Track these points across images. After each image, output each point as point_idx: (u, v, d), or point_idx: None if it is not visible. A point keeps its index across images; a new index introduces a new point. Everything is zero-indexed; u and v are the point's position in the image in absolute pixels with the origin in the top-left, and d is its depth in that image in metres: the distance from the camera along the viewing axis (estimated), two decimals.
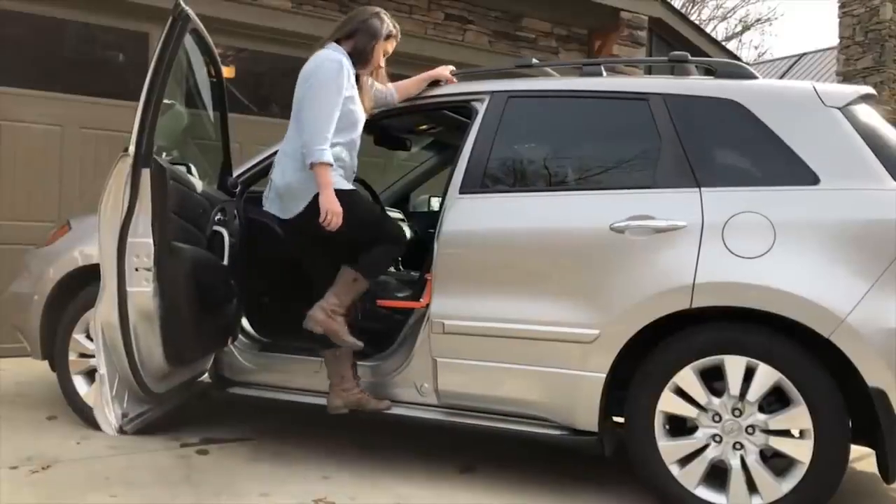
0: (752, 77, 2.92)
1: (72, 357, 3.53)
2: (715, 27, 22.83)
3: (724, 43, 12.57)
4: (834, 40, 13.53)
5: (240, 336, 3.39)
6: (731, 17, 28.42)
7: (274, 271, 3.59)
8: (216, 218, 3.05)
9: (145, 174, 2.51)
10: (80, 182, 5.25)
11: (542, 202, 2.93)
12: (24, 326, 3.73)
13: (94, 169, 5.26)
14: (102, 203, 2.50)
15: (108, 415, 2.39)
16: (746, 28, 23.66)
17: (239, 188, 3.40)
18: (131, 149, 2.49)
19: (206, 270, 2.92)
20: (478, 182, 3.02)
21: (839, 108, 2.70)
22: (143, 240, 2.51)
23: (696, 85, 2.91)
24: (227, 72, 6.37)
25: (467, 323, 2.92)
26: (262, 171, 3.48)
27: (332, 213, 2.78)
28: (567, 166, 3.08)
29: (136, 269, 2.50)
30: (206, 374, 3.29)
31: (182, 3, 2.73)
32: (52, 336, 3.60)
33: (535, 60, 3.33)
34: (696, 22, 8.10)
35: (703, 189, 2.70)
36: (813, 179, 2.61)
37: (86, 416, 3.49)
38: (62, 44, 5.27)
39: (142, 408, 2.66)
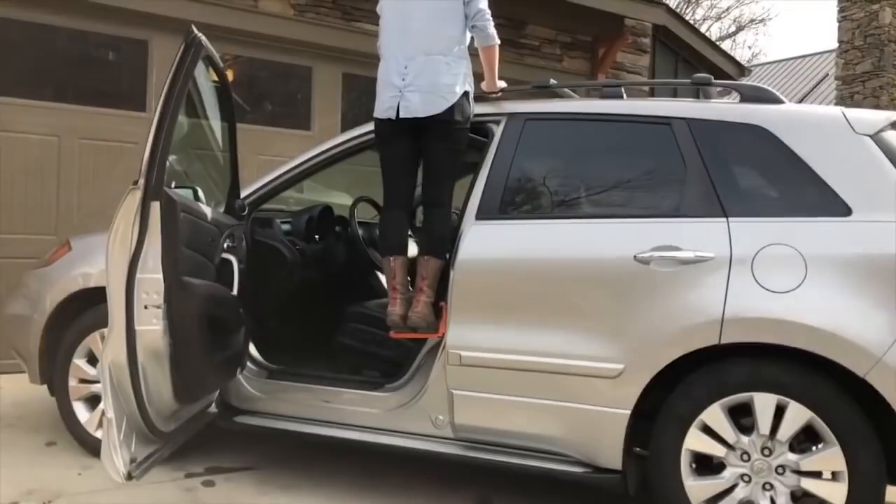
0: (779, 101, 2.83)
1: (72, 383, 3.43)
2: (709, 27, 22.78)
3: (717, 43, 12.45)
4: (830, 42, 13.50)
5: (247, 364, 3.29)
6: (725, 17, 28.39)
7: (281, 294, 3.49)
8: (225, 245, 2.94)
9: (155, 207, 2.40)
10: (78, 194, 5.13)
11: (563, 230, 2.83)
12: (23, 349, 3.62)
13: (93, 180, 5.15)
14: (111, 238, 2.40)
15: (117, 461, 2.29)
16: (740, 28, 23.66)
17: (247, 210, 3.30)
18: (141, 181, 2.39)
19: (218, 304, 2.82)
20: (495, 208, 2.93)
21: (870, 136, 2.61)
22: (152, 276, 2.40)
23: (721, 109, 2.82)
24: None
25: (485, 355, 2.83)
26: (271, 192, 3.39)
27: None
28: (588, 193, 2.98)
29: (146, 307, 2.40)
30: (213, 404, 3.18)
31: (195, 30, 2.62)
32: (51, 360, 3.49)
33: (552, 81, 3.24)
34: (690, 23, 7.97)
35: (730, 219, 2.62)
36: (845, 210, 2.53)
37: (86, 444, 3.38)
38: (59, 52, 5.14)
39: (150, 449, 2.56)
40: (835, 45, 13.27)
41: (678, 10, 17.26)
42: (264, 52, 5.78)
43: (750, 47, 38.12)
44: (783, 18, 42.60)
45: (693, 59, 8.36)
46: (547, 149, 3.04)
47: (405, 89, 2.92)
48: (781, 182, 2.67)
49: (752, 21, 24.42)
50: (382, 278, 4.02)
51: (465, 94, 2.97)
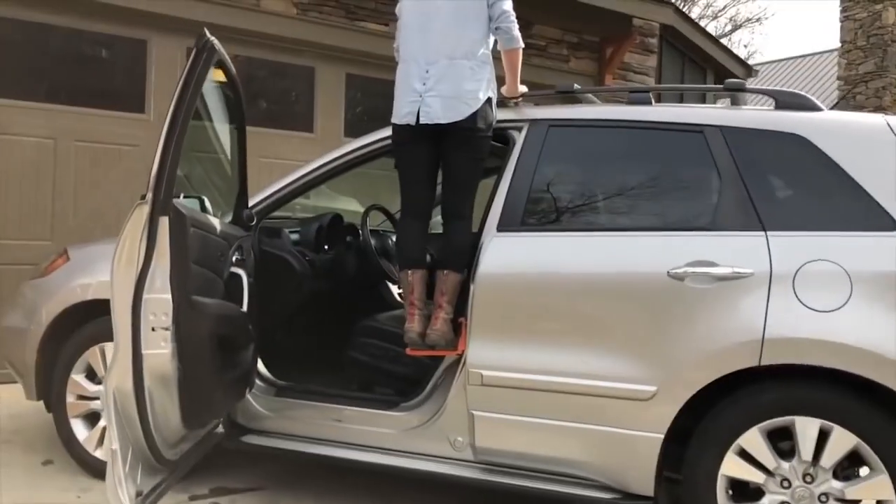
0: (817, 108, 2.70)
1: (70, 399, 3.27)
2: (706, 26, 22.68)
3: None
4: (826, 43, 13.40)
5: (256, 380, 3.14)
6: (721, 16, 28.31)
7: (290, 307, 3.34)
8: (234, 258, 2.79)
9: (163, 223, 2.25)
10: (74, 198, 4.97)
11: (590, 244, 2.69)
12: (18, 363, 3.46)
13: (89, 184, 4.99)
14: (116, 256, 2.24)
15: (122, 496, 2.13)
16: (737, 27, 23.57)
17: (255, 220, 3.14)
18: (148, 196, 2.23)
19: (228, 323, 2.67)
20: (518, 219, 2.79)
21: None
22: (160, 296, 2.25)
23: (756, 116, 2.69)
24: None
25: (509, 374, 2.68)
26: (281, 200, 3.24)
27: None
28: (616, 204, 2.84)
29: (153, 329, 2.25)
30: (220, 424, 3.03)
31: (208, 33, 2.46)
32: (48, 375, 3.33)
33: (576, 86, 3.09)
34: (697, 23, 7.84)
35: (769, 233, 2.48)
36: (891, 224, 2.40)
37: (85, 464, 3.23)
38: (54, 52, 4.97)
39: (156, 480, 2.40)
40: (836, 44, 13.19)
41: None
42: (266, 52, 5.63)
43: (746, 46, 38.05)
44: (779, 18, 42.58)
45: (700, 60, 8.24)
46: (572, 157, 2.90)
47: (426, 94, 2.78)
48: (822, 194, 2.53)
49: (748, 20, 24.40)
50: (394, 289, 3.89)
51: (489, 100, 2.83)
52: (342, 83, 5.98)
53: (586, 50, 7.12)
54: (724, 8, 27.22)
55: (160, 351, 2.25)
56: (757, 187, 2.56)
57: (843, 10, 12.85)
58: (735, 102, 2.89)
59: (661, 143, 2.77)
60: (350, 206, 4.64)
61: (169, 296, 2.25)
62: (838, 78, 13.17)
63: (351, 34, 5.81)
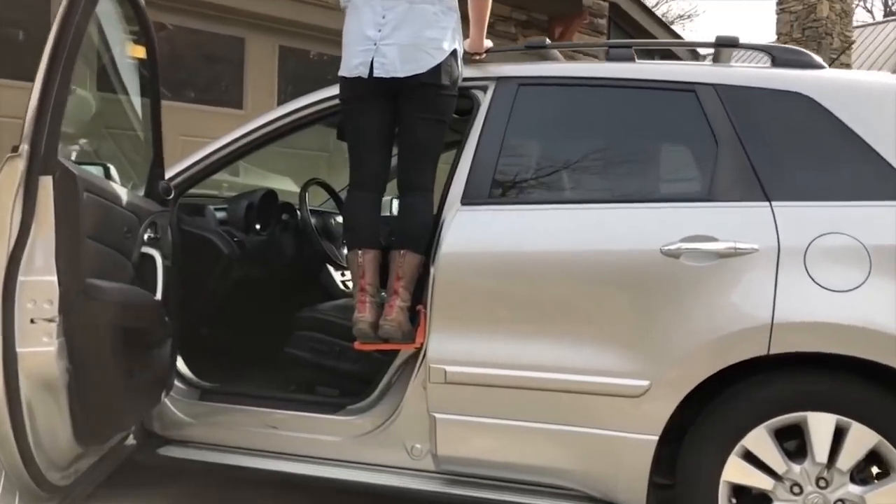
0: (819, 66, 2.41)
1: None
2: None
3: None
4: (762, 37, 13.53)
5: (175, 382, 2.67)
6: (655, 9, 28.59)
7: (216, 296, 2.88)
8: (146, 236, 2.31)
9: (45, 183, 1.76)
10: None
11: (569, 218, 2.32)
12: None
13: None
14: None
15: None
16: (669, 24, 23.81)
17: (173, 194, 2.67)
18: (24, 147, 1.74)
19: (137, 314, 2.19)
20: (485, 191, 2.40)
21: None
22: (41, 278, 1.76)
23: (755, 74, 2.38)
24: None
25: (476, 370, 2.30)
26: (203, 172, 2.77)
27: None
28: (598, 172, 2.49)
29: (32, 321, 1.76)
30: (130, 435, 2.55)
31: None
32: None
33: (547, 40, 2.73)
34: (645, 5, 7.67)
35: (774, 203, 2.17)
36: None
37: None
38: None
39: None
40: (772, 37, 13.30)
41: None
42: (191, 21, 5.09)
43: None
44: (710, 15, 43.58)
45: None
46: (547, 120, 2.52)
47: (381, 42, 2.36)
48: (832, 160, 2.23)
49: (679, 17, 24.67)
50: (338, 277, 3.45)
51: (454, 52, 2.43)
52: (275, 56, 5.50)
53: (535, 28, 6.80)
54: (656, 4, 27.55)
55: (42, 349, 1.76)
56: (758, 152, 2.24)
57: (779, 3, 12.97)
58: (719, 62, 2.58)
59: (648, 103, 2.43)
60: (285, 186, 4.16)
61: (54, 278, 1.77)
62: None
63: (284, 3, 5.33)
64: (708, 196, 2.25)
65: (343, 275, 3.44)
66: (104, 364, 1.95)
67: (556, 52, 2.80)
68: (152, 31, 2.52)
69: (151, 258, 2.27)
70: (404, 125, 2.45)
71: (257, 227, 3.06)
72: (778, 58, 2.44)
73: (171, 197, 2.60)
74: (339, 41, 2.55)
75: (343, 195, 3.62)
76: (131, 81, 2.73)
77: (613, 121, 2.48)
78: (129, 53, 2.70)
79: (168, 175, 2.70)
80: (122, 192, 2.22)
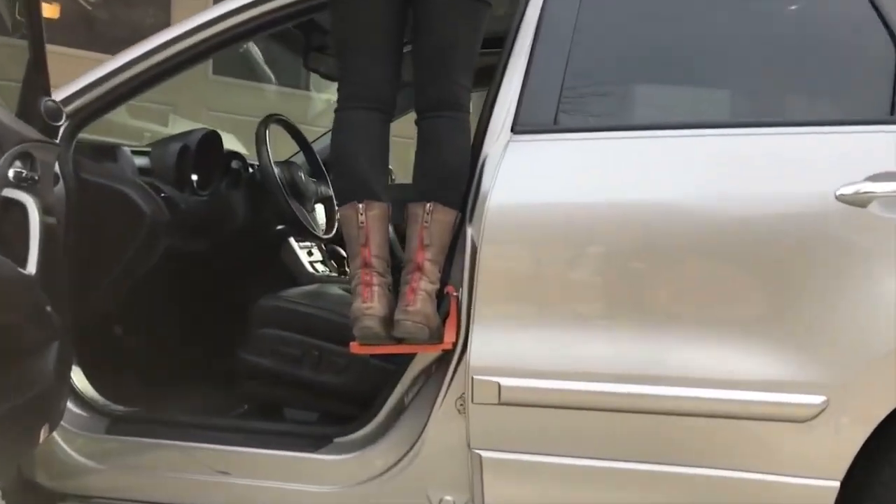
0: None
1: None
2: None
3: None
4: None
5: (68, 406, 1.79)
6: None
7: (133, 277, 1.99)
8: (12, 173, 1.42)
9: None
10: None
11: (690, 150, 1.55)
12: None
13: None
14: None
15: None
16: None
17: (67, 124, 1.77)
18: None
19: None
20: (551, 111, 1.61)
21: None
22: None
23: None
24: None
25: (549, 385, 1.50)
26: (114, 95, 1.88)
27: None
28: (725, 85, 1.72)
29: None
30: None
31: None
32: None
33: None
34: None
35: None
36: None
37: None
38: None
39: None
40: None
41: None
42: None
43: None
44: None
45: None
46: (639, 7, 1.73)
47: None
48: None
49: None
50: (302, 253, 2.57)
51: None
52: None
53: None
54: None
55: None
56: None
57: None
58: None
59: None
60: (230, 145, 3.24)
61: None
62: None
63: None
64: (889, 117, 1.51)
65: (310, 253, 2.57)
66: None
67: None
68: None
69: (21, 207, 1.38)
70: (424, 11, 1.62)
71: (194, 179, 2.17)
72: None
73: (60, 124, 1.70)
74: None
75: (318, 146, 2.75)
76: None
77: (748, 11, 1.70)
78: None
79: (61, 96, 1.80)
80: None
